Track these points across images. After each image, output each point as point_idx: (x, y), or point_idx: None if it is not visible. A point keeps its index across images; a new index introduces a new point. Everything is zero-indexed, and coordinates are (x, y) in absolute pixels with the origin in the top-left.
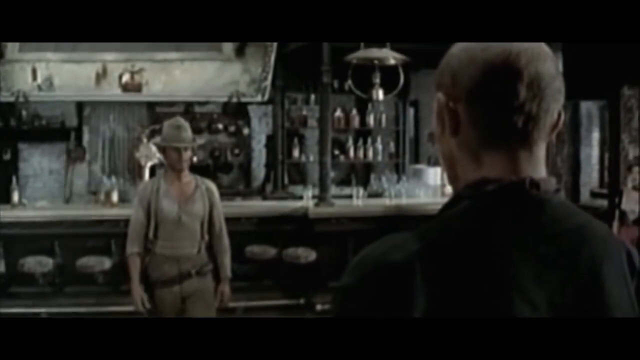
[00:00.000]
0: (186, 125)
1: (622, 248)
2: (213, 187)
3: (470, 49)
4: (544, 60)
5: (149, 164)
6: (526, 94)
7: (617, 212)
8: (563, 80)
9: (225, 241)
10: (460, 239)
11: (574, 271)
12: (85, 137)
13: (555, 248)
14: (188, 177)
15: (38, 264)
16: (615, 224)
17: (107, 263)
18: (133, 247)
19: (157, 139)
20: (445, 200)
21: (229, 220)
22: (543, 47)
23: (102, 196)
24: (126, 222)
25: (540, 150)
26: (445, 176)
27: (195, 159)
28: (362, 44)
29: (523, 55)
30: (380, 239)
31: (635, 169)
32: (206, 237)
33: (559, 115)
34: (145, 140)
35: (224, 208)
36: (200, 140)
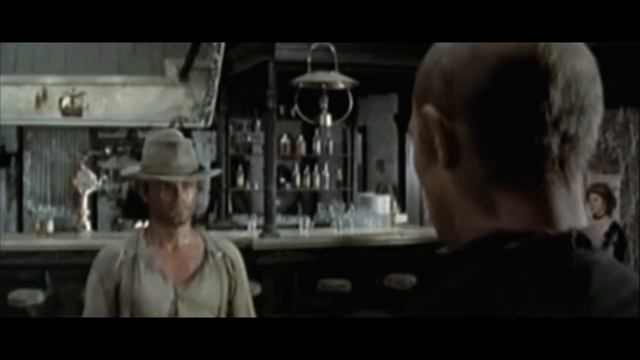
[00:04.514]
0: (185, 143)
1: None
2: (235, 252)
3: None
4: (582, 56)
5: (88, 192)
6: (562, 103)
7: None
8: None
9: None
10: None
11: None
12: (27, 163)
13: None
14: (190, 236)
15: None
16: None
17: (40, 297)
18: None
19: (133, 167)
20: (398, 231)
21: None
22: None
23: (37, 225)
24: (62, 253)
25: (579, 186)
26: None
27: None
28: (309, 68)
29: (554, 47)
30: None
31: (593, 196)
32: None
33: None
34: (83, 166)
35: None
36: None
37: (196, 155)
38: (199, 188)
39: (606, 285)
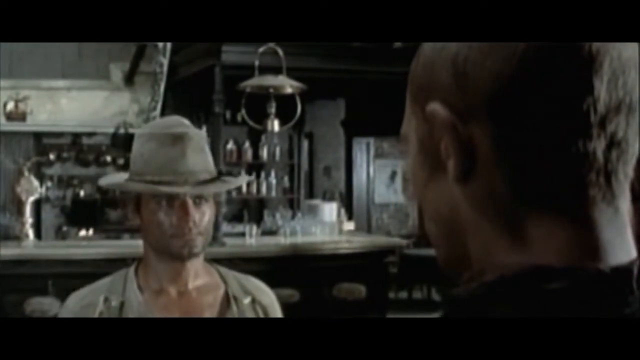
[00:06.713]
0: (197, 136)
1: None
2: (269, 296)
3: None
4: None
5: (31, 199)
6: (608, 98)
7: None
8: None
9: None
10: None
11: None
12: None
13: None
14: (204, 275)
15: None
16: None
17: None
18: None
19: (117, 175)
20: (346, 239)
21: (113, 261)
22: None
23: None
24: (4, 263)
25: (626, 204)
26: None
27: (82, 193)
28: (256, 72)
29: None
30: None
31: None
32: None
33: None
34: (26, 172)
35: (106, 248)
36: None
37: (210, 154)
38: (217, 203)
39: None
